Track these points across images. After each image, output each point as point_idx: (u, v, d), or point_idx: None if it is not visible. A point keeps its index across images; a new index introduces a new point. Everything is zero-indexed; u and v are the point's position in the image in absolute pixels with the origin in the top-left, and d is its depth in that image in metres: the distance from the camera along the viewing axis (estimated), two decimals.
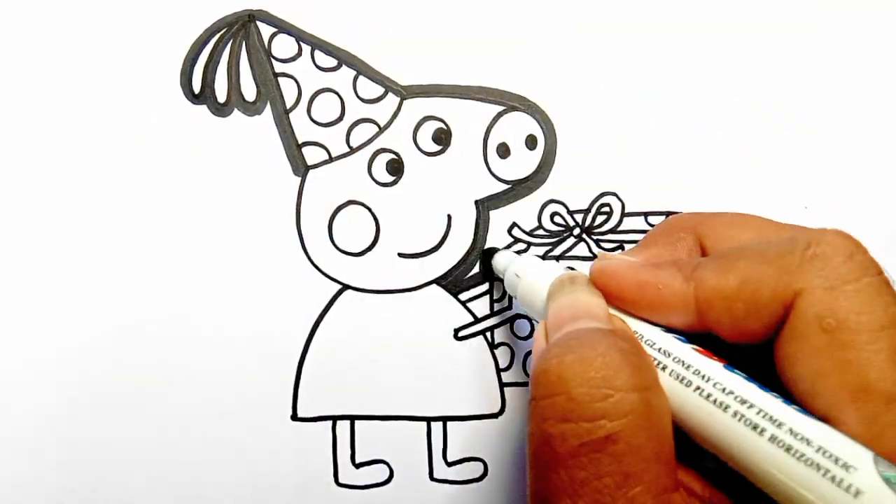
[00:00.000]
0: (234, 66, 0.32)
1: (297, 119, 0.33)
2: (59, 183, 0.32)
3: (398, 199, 0.33)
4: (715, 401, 0.19)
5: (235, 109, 0.32)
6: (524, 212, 0.33)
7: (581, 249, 0.33)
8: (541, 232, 0.33)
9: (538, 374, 0.20)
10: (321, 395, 0.32)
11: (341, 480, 0.32)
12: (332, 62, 0.33)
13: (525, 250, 0.33)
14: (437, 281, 0.33)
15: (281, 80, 0.33)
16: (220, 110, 0.32)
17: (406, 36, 0.33)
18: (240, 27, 0.33)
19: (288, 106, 0.33)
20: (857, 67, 0.34)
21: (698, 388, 0.20)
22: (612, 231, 0.33)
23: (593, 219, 0.33)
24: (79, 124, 0.32)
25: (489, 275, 0.32)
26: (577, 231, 0.33)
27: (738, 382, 0.20)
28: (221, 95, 0.32)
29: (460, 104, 0.33)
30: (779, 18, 0.33)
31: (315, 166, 0.33)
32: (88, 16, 0.32)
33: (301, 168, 0.33)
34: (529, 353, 0.33)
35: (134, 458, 0.32)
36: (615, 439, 0.19)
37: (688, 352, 0.21)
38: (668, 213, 0.33)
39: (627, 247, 0.33)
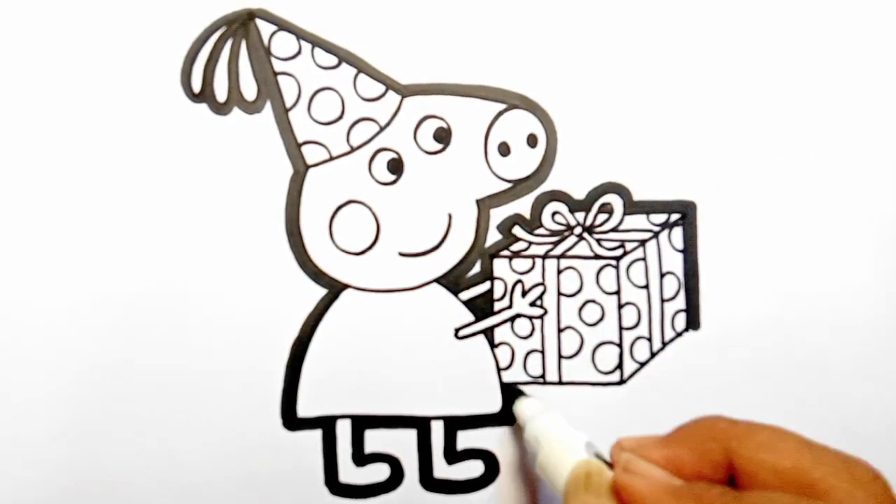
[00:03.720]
0: (234, 65, 0.32)
1: (298, 117, 0.32)
2: (59, 181, 0.32)
3: (399, 198, 0.33)
4: None
5: (235, 108, 0.32)
6: (525, 210, 0.33)
7: (582, 248, 0.33)
8: (542, 231, 0.33)
9: None
10: (321, 394, 0.32)
11: (342, 479, 0.32)
12: (333, 60, 0.33)
13: (526, 249, 0.33)
14: (438, 280, 0.33)
15: (281, 78, 0.32)
16: (220, 109, 0.32)
17: (406, 34, 0.33)
18: (240, 25, 0.32)
19: (288, 104, 0.32)
20: (859, 65, 0.33)
21: None
22: (614, 230, 0.33)
23: (594, 217, 0.33)
24: (79, 123, 0.32)
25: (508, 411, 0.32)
26: (578, 230, 0.33)
27: None
28: (221, 94, 0.32)
29: (461, 102, 0.33)
30: (779, 14, 0.33)
31: (315, 165, 0.33)
32: (88, 15, 0.32)
33: (301, 167, 0.32)
34: (530, 352, 0.33)
35: (129, 458, 0.32)
36: None
37: None
38: (669, 213, 0.33)
39: (629, 245, 0.33)
